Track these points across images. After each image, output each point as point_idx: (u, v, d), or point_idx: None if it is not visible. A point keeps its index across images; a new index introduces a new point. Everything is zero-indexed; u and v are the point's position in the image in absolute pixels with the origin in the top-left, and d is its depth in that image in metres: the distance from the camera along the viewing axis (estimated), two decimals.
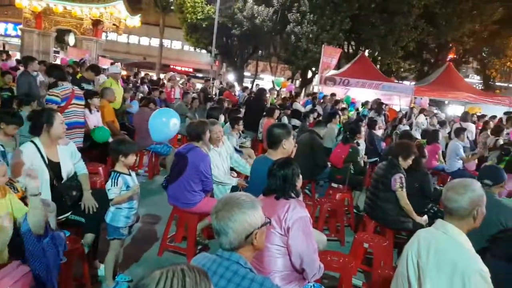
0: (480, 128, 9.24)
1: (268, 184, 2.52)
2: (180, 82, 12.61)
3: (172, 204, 3.78)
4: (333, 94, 11.98)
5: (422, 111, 10.77)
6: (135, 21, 16.31)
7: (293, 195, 2.45)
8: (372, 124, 7.84)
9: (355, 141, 5.82)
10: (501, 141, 7.34)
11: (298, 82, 23.69)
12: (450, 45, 20.29)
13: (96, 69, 7.37)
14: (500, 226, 2.76)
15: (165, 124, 4.77)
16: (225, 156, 4.36)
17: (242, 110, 8.40)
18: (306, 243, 2.27)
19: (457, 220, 1.94)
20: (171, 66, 29.34)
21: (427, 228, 2.11)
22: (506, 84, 24.63)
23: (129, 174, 3.11)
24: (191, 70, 30.85)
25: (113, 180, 3.00)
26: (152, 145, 6.00)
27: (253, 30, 17.53)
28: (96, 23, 14.89)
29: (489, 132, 8.23)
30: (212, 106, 7.38)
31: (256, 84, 20.77)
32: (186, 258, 3.58)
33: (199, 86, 15.31)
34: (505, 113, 11.10)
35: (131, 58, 30.50)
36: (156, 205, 4.87)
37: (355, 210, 5.57)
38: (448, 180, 6.74)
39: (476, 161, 7.18)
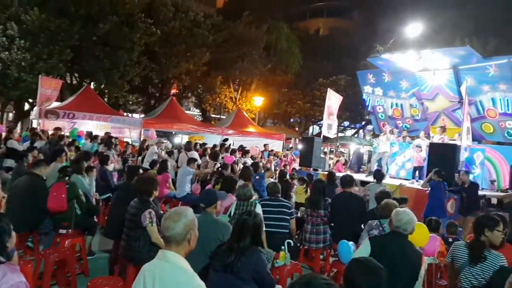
0: (200, 154, 10.59)
1: None
2: None
3: None
4: (57, 129, 10.87)
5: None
6: None
7: (2, 259, 2.03)
8: (104, 159, 7.61)
9: (69, 178, 5.36)
10: (218, 165, 8.68)
11: (12, 115, 20.26)
12: (172, 81, 22.42)
13: None
14: (218, 242, 3.17)
15: None
16: None
17: None
18: None
19: (175, 246, 2.09)
20: None
21: (151, 261, 2.15)
22: (219, 116, 29.39)
23: None
24: None
25: None
26: None
27: None
28: None
29: (207, 157, 9.59)
30: None
31: None
32: None
33: None
34: (224, 140, 13.25)
35: None
36: None
37: (88, 256, 5.07)
38: (179, 205, 7.35)
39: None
